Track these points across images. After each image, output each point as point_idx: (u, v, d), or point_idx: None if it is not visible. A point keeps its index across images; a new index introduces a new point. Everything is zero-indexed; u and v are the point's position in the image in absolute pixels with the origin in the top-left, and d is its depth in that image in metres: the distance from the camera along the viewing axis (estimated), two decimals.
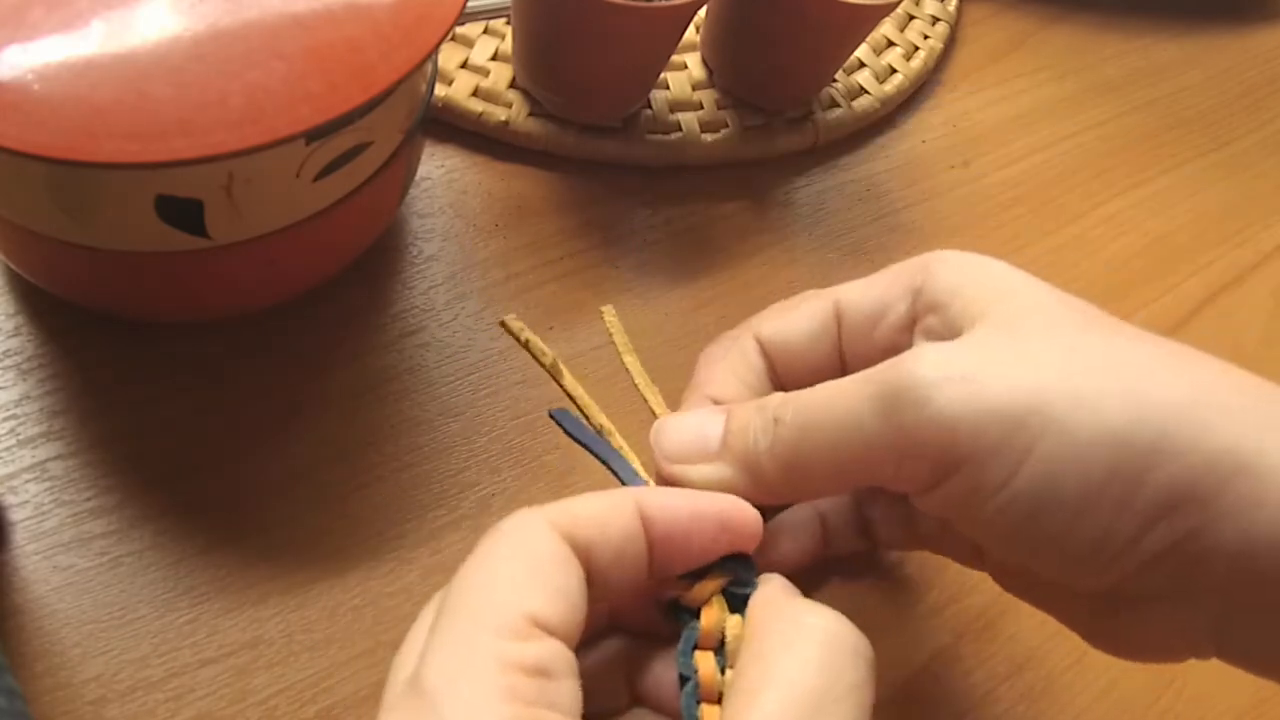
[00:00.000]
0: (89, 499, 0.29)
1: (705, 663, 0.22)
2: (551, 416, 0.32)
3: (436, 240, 0.37)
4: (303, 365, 0.33)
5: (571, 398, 0.32)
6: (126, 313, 0.32)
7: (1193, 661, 0.33)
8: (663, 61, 0.40)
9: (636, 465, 0.31)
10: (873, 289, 0.27)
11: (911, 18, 0.50)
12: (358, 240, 0.33)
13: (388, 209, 0.34)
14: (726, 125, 0.43)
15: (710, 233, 0.40)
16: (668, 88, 0.43)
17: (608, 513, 0.21)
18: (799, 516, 0.30)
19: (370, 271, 0.35)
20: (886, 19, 0.49)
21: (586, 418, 0.33)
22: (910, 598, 0.32)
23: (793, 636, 0.20)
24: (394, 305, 0.35)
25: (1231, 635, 0.21)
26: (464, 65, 0.42)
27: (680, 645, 0.22)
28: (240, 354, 0.33)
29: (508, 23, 0.43)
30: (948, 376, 0.21)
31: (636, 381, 0.30)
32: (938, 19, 0.51)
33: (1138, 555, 0.21)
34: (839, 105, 0.45)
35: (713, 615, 0.22)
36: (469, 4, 0.33)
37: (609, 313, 0.30)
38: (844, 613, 0.22)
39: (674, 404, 0.33)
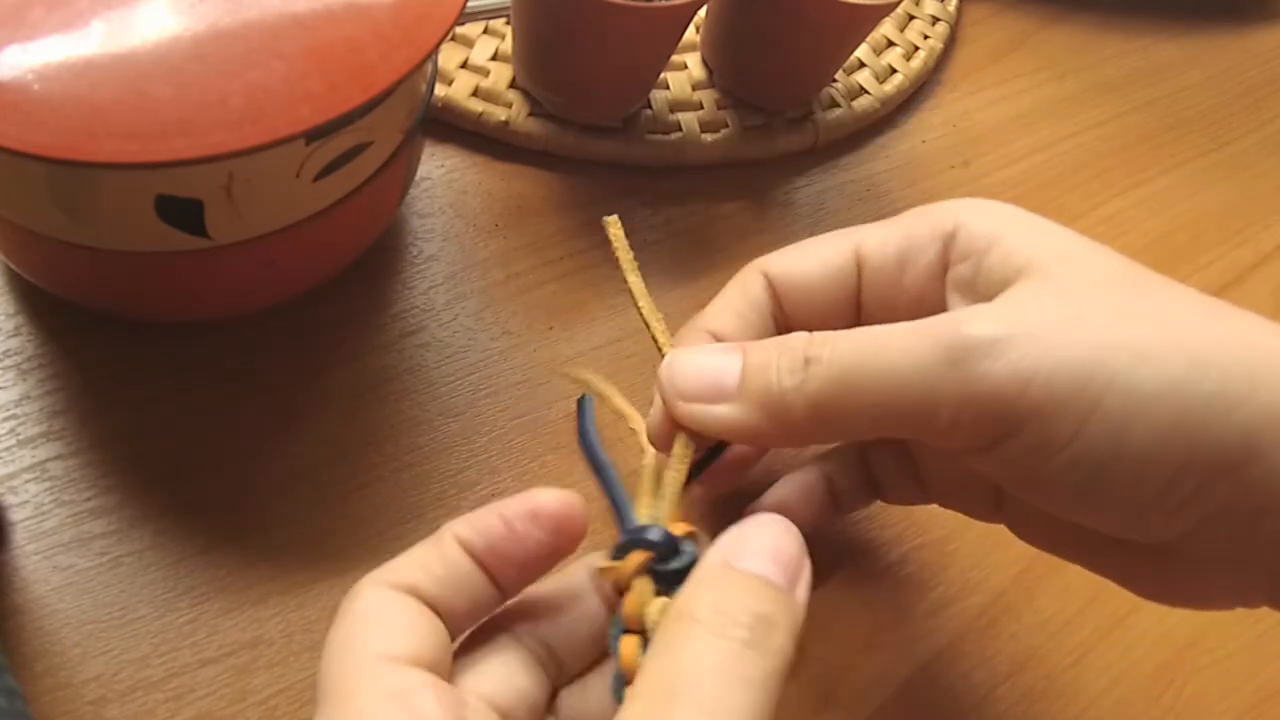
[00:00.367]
0: (89, 499, 0.29)
1: (628, 646, 0.22)
2: (579, 404, 0.30)
3: (436, 240, 0.37)
4: (303, 365, 0.33)
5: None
6: (126, 313, 0.32)
7: (1193, 661, 0.33)
8: (663, 61, 0.40)
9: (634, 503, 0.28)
10: (896, 233, 0.26)
11: (911, 18, 0.50)
12: (358, 240, 0.33)
13: (388, 209, 0.34)
14: (726, 125, 0.43)
15: (710, 233, 0.40)
16: (668, 88, 0.43)
17: (427, 552, 0.22)
18: (805, 480, 0.30)
19: (370, 271, 0.35)
20: (886, 19, 0.49)
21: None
22: (910, 598, 0.32)
23: (668, 630, 0.20)
24: (394, 305, 0.35)
25: None
26: (464, 65, 0.42)
27: (611, 629, 0.23)
28: (240, 354, 0.33)
29: (508, 23, 0.43)
30: (1018, 333, 0.21)
31: (640, 305, 0.28)
32: (938, 19, 0.51)
33: (1200, 509, 0.21)
34: (839, 105, 0.45)
35: (633, 598, 0.22)
36: (469, 4, 0.33)
37: (613, 224, 0.28)
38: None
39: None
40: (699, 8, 0.36)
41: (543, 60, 0.39)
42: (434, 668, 0.21)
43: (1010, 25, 0.54)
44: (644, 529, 0.23)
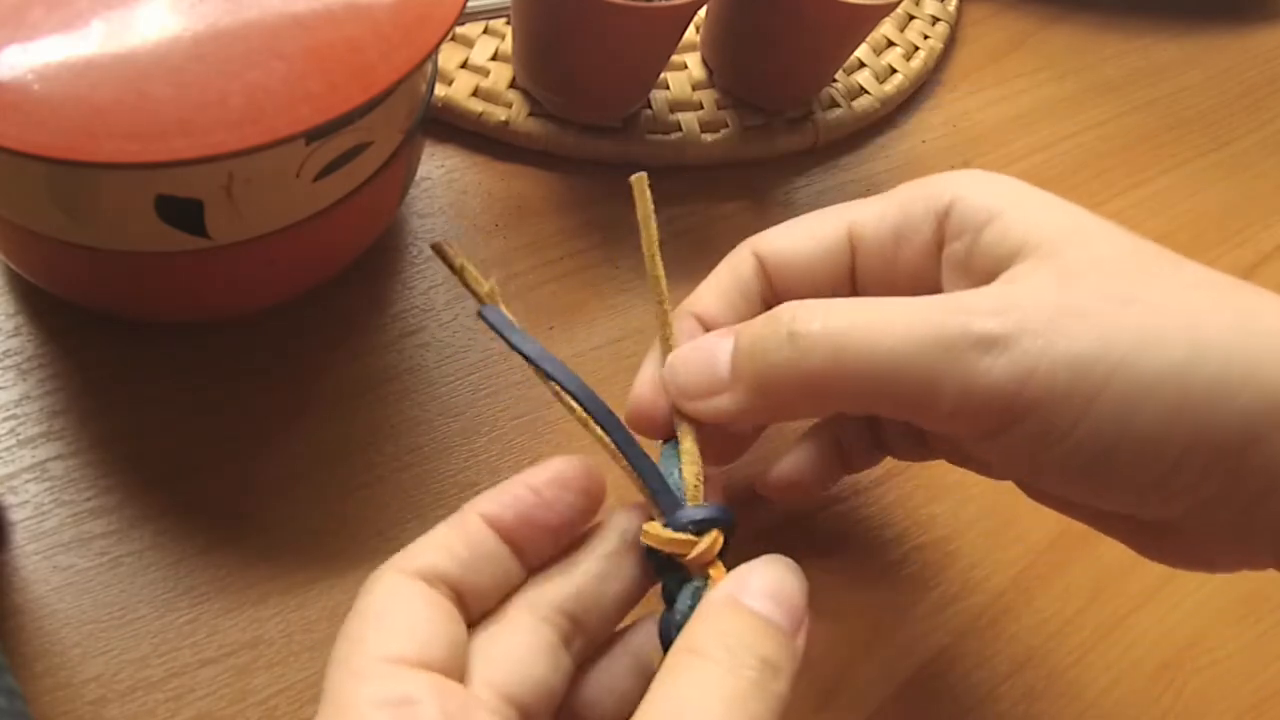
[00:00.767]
0: (89, 499, 0.29)
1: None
2: (481, 315, 0.27)
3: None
4: (303, 365, 0.33)
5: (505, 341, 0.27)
6: (126, 313, 0.32)
7: (1193, 661, 0.33)
8: (663, 61, 0.40)
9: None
10: (889, 209, 0.26)
11: (911, 18, 0.50)
12: (358, 240, 0.33)
13: (388, 209, 0.34)
14: (726, 125, 0.43)
15: (710, 233, 0.40)
16: (668, 88, 0.43)
17: (450, 533, 0.22)
18: (815, 444, 0.30)
19: (370, 271, 0.35)
20: (886, 19, 0.49)
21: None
22: (910, 598, 0.32)
23: (675, 664, 0.20)
24: (394, 305, 0.35)
25: None
26: (464, 65, 0.42)
27: (684, 603, 0.22)
28: (240, 354, 0.33)
29: (508, 23, 0.43)
30: (1020, 327, 0.21)
31: (654, 274, 0.27)
32: (938, 19, 0.51)
33: (1202, 492, 0.21)
34: (839, 105, 0.45)
35: (719, 573, 0.22)
36: (469, 4, 0.33)
37: (639, 182, 0.26)
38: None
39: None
40: (699, 8, 0.36)
41: (543, 60, 0.39)
42: (445, 666, 0.20)
43: (1010, 25, 0.54)
44: (717, 508, 0.23)
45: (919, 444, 0.29)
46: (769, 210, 0.42)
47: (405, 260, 0.36)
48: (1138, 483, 0.21)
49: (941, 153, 0.46)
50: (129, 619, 0.27)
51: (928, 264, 0.25)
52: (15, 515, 0.28)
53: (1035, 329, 0.21)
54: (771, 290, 0.27)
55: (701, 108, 0.43)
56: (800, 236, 0.27)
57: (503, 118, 0.40)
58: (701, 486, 0.24)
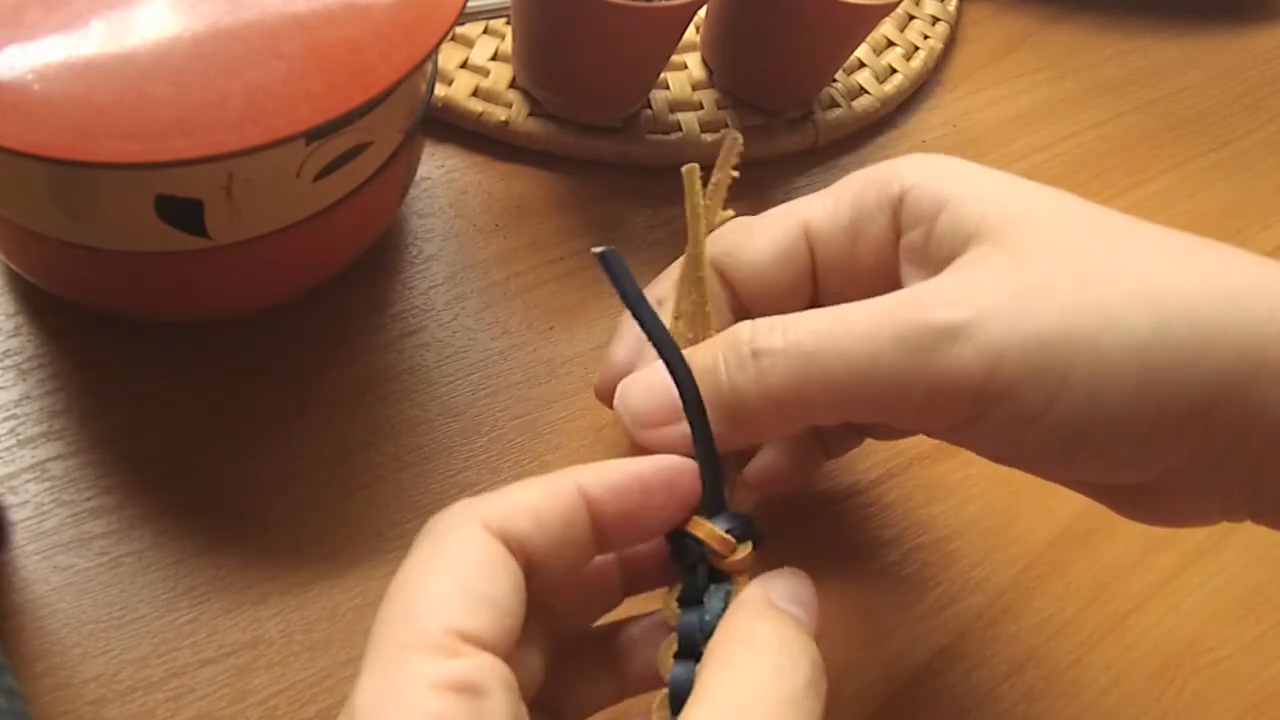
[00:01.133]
0: (89, 499, 0.29)
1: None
2: (600, 256, 0.24)
3: (436, 240, 0.37)
4: (303, 365, 0.33)
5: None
6: (126, 313, 0.32)
7: (1193, 661, 0.33)
8: (663, 61, 0.40)
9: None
10: (841, 203, 0.25)
11: (911, 18, 0.50)
12: (358, 240, 0.33)
13: (388, 209, 0.34)
14: (726, 125, 0.43)
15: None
16: (668, 88, 0.43)
17: (545, 500, 0.20)
18: (793, 435, 0.30)
19: (370, 271, 0.35)
20: (886, 19, 0.49)
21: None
22: (910, 598, 0.32)
23: (730, 656, 0.20)
24: (394, 305, 0.35)
25: (1264, 502, 0.22)
26: (464, 65, 0.42)
27: (715, 604, 0.22)
28: (240, 354, 0.33)
29: (508, 23, 0.43)
30: (981, 314, 0.21)
31: (692, 258, 0.26)
32: (938, 19, 0.51)
33: (1178, 453, 0.21)
34: (839, 105, 0.45)
35: (745, 581, 0.22)
36: (469, 4, 0.33)
37: (690, 173, 0.26)
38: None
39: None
40: (699, 8, 0.36)
41: (543, 60, 0.39)
42: (503, 651, 0.18)
43: (1010, 25, 0.54)
44: (751, 520, 0.23)
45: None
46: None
47: (405, 260, 0.36)
48: (1111, 457, 0.21)
49: (941, 153, 0.46)
50: (129, 619, 0.27)
51: (886, 254, 0.25)
52: (15, 515, 0.28)
53: (996, 313, 0.21)
54: (737, 298, 0.27)
55: (701, 108, 0.43)
56: (754, 244, 0.26)
57: (503, 118, 0.40)
58: (730, 498, 0.24)
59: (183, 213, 0.27)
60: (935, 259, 0.23)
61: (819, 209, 0.26)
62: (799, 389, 0.22)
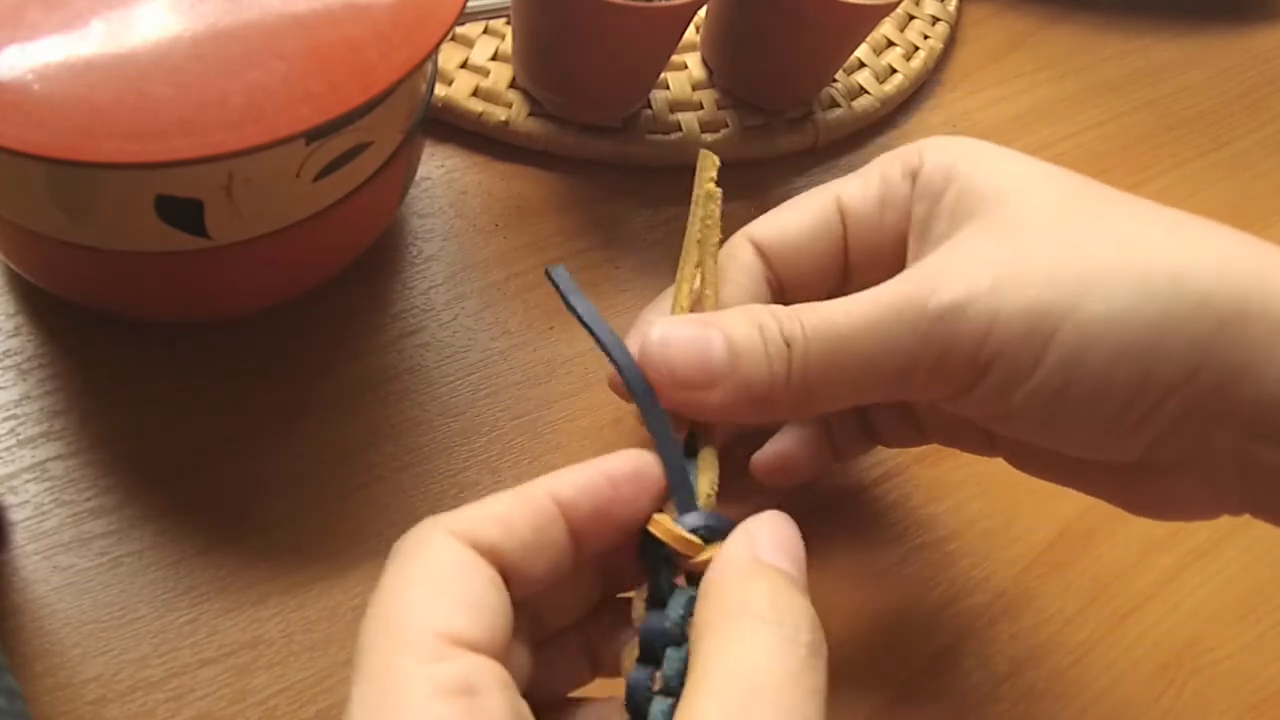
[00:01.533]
0: (89, 499, 0.29)
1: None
2: (548, 274, 0.24)
3: (436, 240, 0.37)
4: (303, 365, 0.33)
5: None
6: (126, 313, 0.32)
7: (1193, 661, 0.33)
8: (663, 61, 0.40)
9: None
10: (873, 179, 0.27)
11: (911, 18, 0.50)
12: (358, 240, 0.33)
13: (388, 209, 0.34)
14: (726, 125, 0.43)
15: None
16: (668, 88, 0.43)
17: (512, 509, 0.20)
18: (806, 429, 0.30)
19: (370, 271, 0.35)
20: (886, 19, 0.49)
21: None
22: (911, 597, 0.32)
23: (726, 629, 0.19)
24: (394, 305, 0.35)
25: (1257, 492, 0.22)
26: (464, 65, 0.42)
27: (676, 611, 0.21)
28: (240, 354, 0.33)
29: (508, 23, 0.43)
30: (975, 288, 0.22)
31: (693, 243, 0.26)
32: (938, 19, 0.51)
33: (1159, 423, 0.22)
34: (839, 105, 0.45)
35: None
36: (469, 4, 0.33)
37: (707, 157, 0.26)
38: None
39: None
40: (699, 8, 0.36)
41: (543, 60, 0.39)
42: (495, 651, 0.18)
43: (1010, 25, 0.54)
44: (730, 521, 0.22)
45: (911, 429, 0.30)
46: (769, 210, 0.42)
47: (405, 260, 0.36)
48: (1094, 422, 0.22)
49: None
50: (129, 619, 0.27)
51: (908, 226, 0.26)
52: (15, 515, 0.28)
53: (986, 288, 0.22)
54: (775, 274, 0.28)
55: (701, 108, 0.43)
56: (792, 219, 0.28)
57: (503, 118, 0.40)
58: (714, 496, 0.23)
59: (183, 213, 0.27)
60: (936, 234, 0.24)
61: (853, 184, 0.27)
62: (821, 381, 0.23)
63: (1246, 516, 0.24)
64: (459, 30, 0.43)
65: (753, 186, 0.43)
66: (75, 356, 0.32)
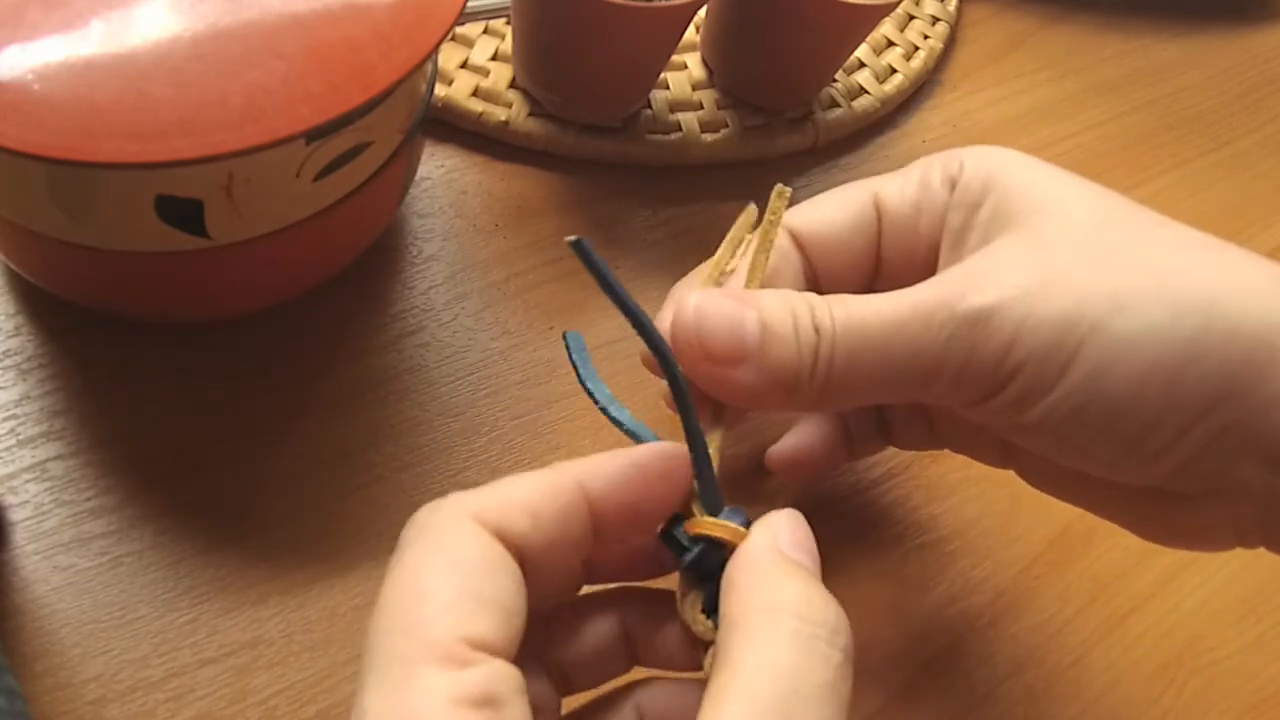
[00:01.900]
0: (89, 499, 0.29)
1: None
2: (574, 244, 0.21)
3: (436, 240, 0.37)
4: (303, 365, 0.33)
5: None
6: (126, 313, 0.32)
7: (1193, 661, 0.33)
8: (663, 61, 0.40)
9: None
10: (912, 180, 0.27)
11: (911, 18, 0.50)
12: (358, 240, 0.33)
13: (388, 209, 0.34)
14: (726, 125, 0.43)
15: (710, 233, 0.40)
16: (668, 88, 0.43)
17: (542, 498, 0.19)
18: (824, 424, 0.30)
19: (370, 271, 0.35)
20: (886, 19, 0.49)
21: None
22: (911, 597, 0.32)
23: (761, 627, 0.18)
24: (394, 305, 0.35)
25: (1277, 526, 0.22)
26: (464, 65, 0.42)
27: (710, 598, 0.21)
28: (240, 354, 0.33)
29: (508, 23, 0.43)
30: (1003, 298, 0.22)
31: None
32: (938, 19, 0.51)
33: (1183, 450, 0.21)
34: (839, 105, 0.45)
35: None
36: (469, 4, 0.33)
37: (781, 196, 0.25)
38: (845, 614, 0.21)
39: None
40: (699, 8, 0.36)
41: (543, 60, 0.39)
42: (510, 654, 0.17)
43: (1010, 25, 0.54)
44: (743, 512, 0.22)
45: (926, 433, 0.30)
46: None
47: (405, 260, 0.36)
48: (1114, 441, 0.22)
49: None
50: (129, 619, 0.27)
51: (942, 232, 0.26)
52: (15, 515, 0.28)
53: (1015, 296, 0.22)
54: (809, 263, 0.28)
55: (701, 108, 0.43)
56: (830, 210, 0.27)
57: (503, 118, 0.40)
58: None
59: (183, 213, 0.27)
60: (970, 244, 0.24)
61: (891, 184, 0.27)
62: (848, 378, 0.23)
63: None
64: (459, 30, 0.43)
65: (752, 186, 0.42)
66: (75, 356, 0.32)
